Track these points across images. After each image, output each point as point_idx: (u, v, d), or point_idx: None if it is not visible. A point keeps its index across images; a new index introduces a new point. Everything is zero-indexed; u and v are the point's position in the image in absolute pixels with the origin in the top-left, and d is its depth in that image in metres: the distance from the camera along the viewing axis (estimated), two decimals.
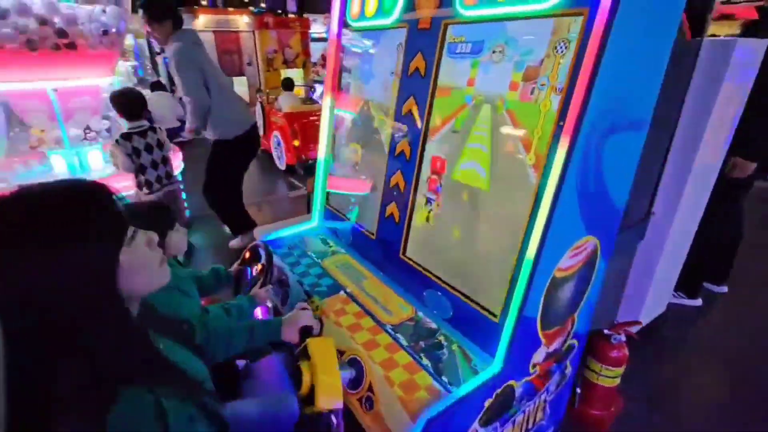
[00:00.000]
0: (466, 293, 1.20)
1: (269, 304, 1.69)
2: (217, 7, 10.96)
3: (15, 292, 0.52)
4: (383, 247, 1.55)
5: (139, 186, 2.70)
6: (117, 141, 2.54)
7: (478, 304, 1.17)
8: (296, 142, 4.90)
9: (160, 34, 2.48)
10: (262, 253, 1.54)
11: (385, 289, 1.44)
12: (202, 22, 8.72)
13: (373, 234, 1.60)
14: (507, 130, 1.05)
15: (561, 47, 0.89)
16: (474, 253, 1.21)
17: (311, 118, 4.87)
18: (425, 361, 1.13)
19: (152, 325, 0.81)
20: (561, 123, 0.88)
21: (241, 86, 9.02)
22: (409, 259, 1.42)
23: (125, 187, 2.80)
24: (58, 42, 2.42)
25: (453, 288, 1.24)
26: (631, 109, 0.97)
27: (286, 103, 5.14)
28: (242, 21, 9.02)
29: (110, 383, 0.58)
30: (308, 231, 1.91)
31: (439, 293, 1.28)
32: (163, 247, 1.23)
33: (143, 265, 0.67)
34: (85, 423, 0.55)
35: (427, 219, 1.35)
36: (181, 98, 2.84)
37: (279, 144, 5.17)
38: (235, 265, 1.64)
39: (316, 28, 11.32)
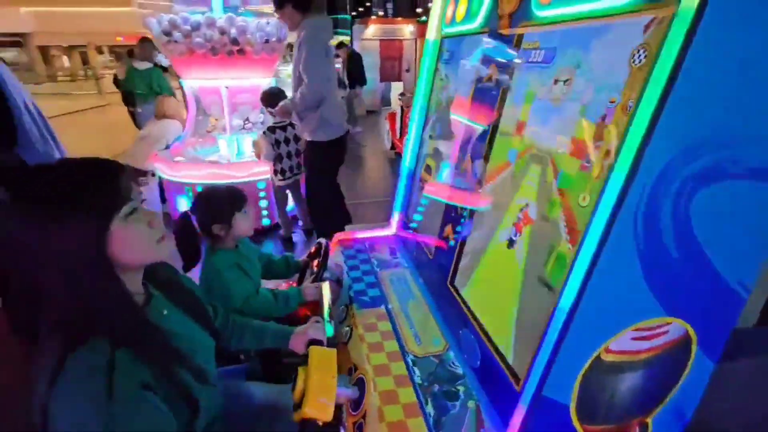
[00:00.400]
0: (497, 344, 1.01)
1: (326, 301, 1.75)
2: (387, 17, 11.86)
3: (14, 239, 0.65)
4: (437, 270, 1.42)
5: (275, 173, 3.12)
6: (264, 132, 2.99)
7: (504, 360, 0.97)
8: None
9: (287, 19, 2.50)
10: (322, 250, 1.61)
11: (428, 316, 1.33)
12: (371, 31, 9.58)
13: (431, 254, 1.50)
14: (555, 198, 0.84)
15: (639, 56, 0.66)
16: (517, 304, 1.00)
17: None
18: (429, 408, 0.99)
19: (167, 294, 0.92)
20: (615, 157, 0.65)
21: (395, 91, 9.59)
22: (455, 289, 1.27)
23: (265, 172, 3.29)
24: (232, 48, 2.97)
25: (485, 334, 1.06)
26: (757, 150, 0.65)
27: None
28: (407, 30, 9.56)
29: (79, 331, 0.67)
30: (382, 238, 1.90)
31: (473, 336, 1.11)
32: (230, 227, 1.39)
33: (138, 240, 0.74)
34: (51, 358, 0.65)
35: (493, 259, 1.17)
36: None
37: None
38: (303, 257, 1.74)
39: None
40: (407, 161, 1.83)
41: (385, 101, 10.11)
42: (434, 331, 1.26)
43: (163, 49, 3.02)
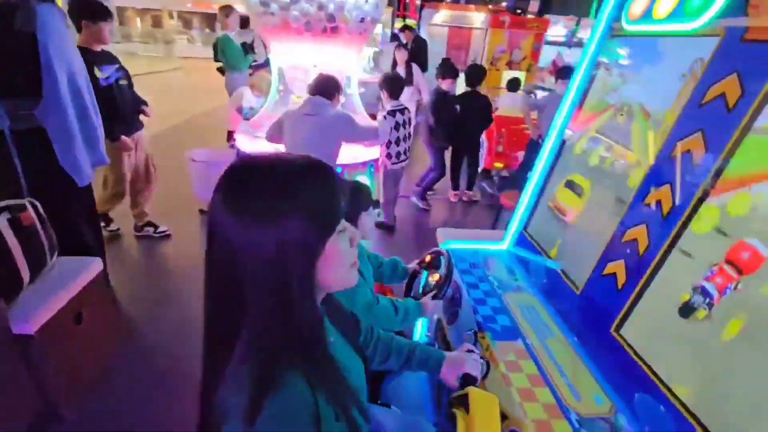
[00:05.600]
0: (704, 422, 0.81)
1: (435, 317, 1.59)
2: (459, 2, 11.26)
3: (223, 245, 0.54)
4: (588, 310, 1.23)
5: (388, 156, 3.19)
6: (384, 116, 3.05)
7: None
8: (500, 148, 4.67)
9: None
10: (443, 262, 1.44)
11: (576, 362, 1.14)
12: (440, 17, 9.17)
13: (577, 287, 1.30)
14: None
15: None
16: (743, 383, 0.80)
17: (522, 126, 4.52)
18: None
19: (329, 314, 0.78)
20: None
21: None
22: (625, 340, 1.07)
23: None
24: (327, 25, 2.82)
25: (690, 412, 0.86)
26: None
27: (504, 104, 4.90)
28: (478, 18, 9.07)
29: (275, 360, 0.55)
30: (495, 252, 1.71)
31: (663, 407, 0.92)
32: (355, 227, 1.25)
33: (339, 260, 0.60)
34: (251, 377, 0.54)
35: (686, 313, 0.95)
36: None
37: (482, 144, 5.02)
38: (414, 264, 1.58)
39: (556, 31, 10.38)
40: (538, 175, 1.62)
41: None
42: (592, 384, 1.07)
43: (257, 20, 2.90)
